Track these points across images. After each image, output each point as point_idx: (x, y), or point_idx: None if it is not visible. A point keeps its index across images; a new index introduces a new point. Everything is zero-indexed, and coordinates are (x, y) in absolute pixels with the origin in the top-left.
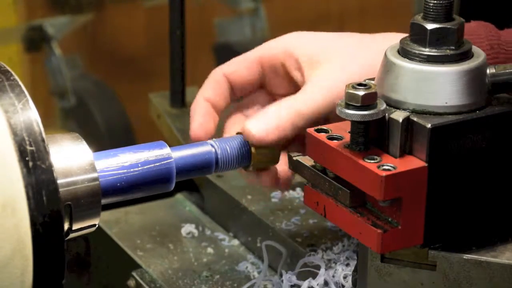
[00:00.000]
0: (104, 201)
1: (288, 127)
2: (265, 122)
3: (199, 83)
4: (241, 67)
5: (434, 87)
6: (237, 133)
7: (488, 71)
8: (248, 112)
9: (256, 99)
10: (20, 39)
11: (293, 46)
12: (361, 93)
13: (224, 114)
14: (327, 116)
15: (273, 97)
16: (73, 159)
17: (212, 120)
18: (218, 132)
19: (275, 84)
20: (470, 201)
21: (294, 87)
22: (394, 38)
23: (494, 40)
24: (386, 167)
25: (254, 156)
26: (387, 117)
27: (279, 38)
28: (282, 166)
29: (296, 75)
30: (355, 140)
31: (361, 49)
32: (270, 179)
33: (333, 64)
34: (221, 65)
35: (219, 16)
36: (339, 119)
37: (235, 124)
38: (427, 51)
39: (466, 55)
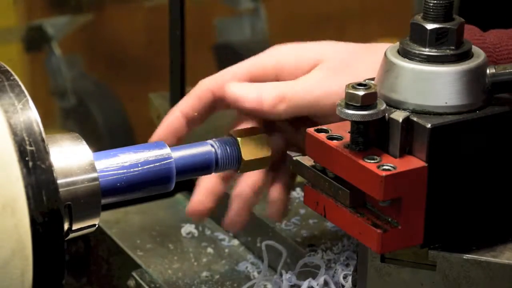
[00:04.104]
0: (104, 201)
1: (267, 102)
2: (248, 88)
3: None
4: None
5: (434, 87)
6: (229, 134)
7: (488, 71)
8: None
9: None
10: (20, 39)
11: (285, 58)
12: (361, 93)
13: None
14: (310, 114)
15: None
16: (73, 159)
17: (176, 135)
18: (219, 133)
19: None
20: (470, 201)
21: None
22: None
23: (479, 44)
24: (386, 167)
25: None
26: (387, 117)
27: (269, 51)
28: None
29: None
30: (355, 140)
31: (355, 60)
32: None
33: (324, 68)
34: (210, 78)
35: (219, 16)
36: (321, 119)
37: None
38: (427, 51)
39: (466, 55)
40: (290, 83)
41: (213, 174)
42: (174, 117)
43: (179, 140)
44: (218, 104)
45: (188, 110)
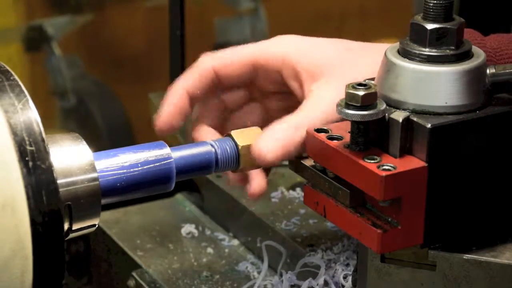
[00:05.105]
0: (104, 201)
1: (294, 144)
2: (273, 143)
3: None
4: (233, 64)
5: (434, 87)
6: (227, 135)
7: (488, 71)
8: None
9: (249, 110)
10: (20, 39)
11: (292, 54)
12: (361, 93)
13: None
14: None
15: (263, 104)
16: (73, 159)
17: (182, 115)
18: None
19: (265, 85)
20: (470, 201)
21: (289, 94)
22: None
23: (480, 48)
24: (386, 167)
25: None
26: (387, 117)
27: (276, 41)
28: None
29: (293, 84)
30: (355, 140)
31: (362, 57)
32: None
33: (335, 75)
34: (212, 55)
35: (219, 16)
36: None
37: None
38: (427, 51)
39: (466, 55)
40: (306, 118)
41: (181, 91)
42: (179, 96)
43: (185, 120)
44: (221, 81)
45: (191, 88)
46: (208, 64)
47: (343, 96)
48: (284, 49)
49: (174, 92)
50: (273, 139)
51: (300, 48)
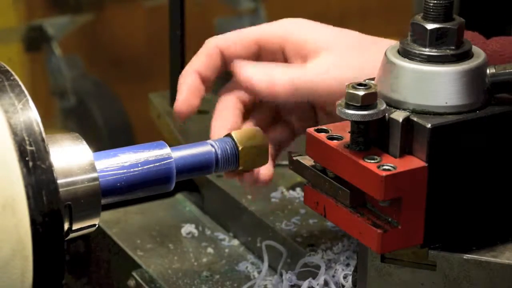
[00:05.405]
0: (104, 201)
1: (279, 87)
2: (260, 72)
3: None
4: (237, 44)
5: (434, 87)
6: (227, 135)
7: (488, 71)
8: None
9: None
10: (20, 39)
11: (294, 30)
12: (361, 93)
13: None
14: (314, 101)
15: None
16: (73, 159)
17: (198, 95)
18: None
19: None
20: (470, 201)
21: None
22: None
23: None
24: (386, 167)
25: (242, 158)
26: (387, 117)
27: (277, 22)
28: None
29: (295, 61)
30: (355, 140)
31: (362, 45)
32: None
33: (333, 52)
34: (216, 37)
35: (219, 16)
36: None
37: None
38: (427, 51)
39: (466, 55)
40: (301, 69)
41: (193, 74)
42: (192, 78)
43: (201, 101)
44: (227, 62)
45: (202, 69)
46: (213, 44)
47: (335, 70)
48: (286, 27)
49: (185, 74)
50: (263, 72)
51: (302, 25)
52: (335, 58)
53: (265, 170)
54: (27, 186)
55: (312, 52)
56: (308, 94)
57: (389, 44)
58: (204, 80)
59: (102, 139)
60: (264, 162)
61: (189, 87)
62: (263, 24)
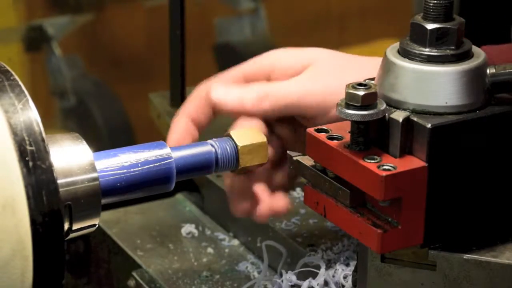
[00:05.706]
0: (104, 201)
1: (249, 101)
2: (229, 90)
3: (199, 83)
4: (226, 84)
5: (434, 87)
6: (226, 135)
7: (488, 71)
8: None
9: None
10: (20, 39)
11: (281, 59)
12: (361, 93)
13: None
14: (294, 114)
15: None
16: (73, 159)
17: (190, 137)
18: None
19: None
20: (470, 201)
21: None
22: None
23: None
24: (386, 167)
25: (242, 158)
26: (387, 117)
27: (265, 54)
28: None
29: None
30: (355, 140)
31: (344, 66)
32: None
33: (309, 72)
34: (207, 81)
35: (219, 16)
36: (307, 121)
37: None
38: (427, 51)
39: (466, 55)
40: (274, 83)
41: (185, 118)
42: (183, 122)
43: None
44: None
45: (193, 114)
46: (204, 90)
47: (315, 83)
48: (274, 56)
49: (178, 118)
50: (232, 88)
51: (290, 51)
52: (311, 74)
53: (280, 202)
54: (27, 186)
55: (299, 71)
56: (281, 106)
57: (372, 62)
58: (196, 123)
59: (102, 139)
60: (263, 160)
61: (181, 131)
62: (249, 60)
